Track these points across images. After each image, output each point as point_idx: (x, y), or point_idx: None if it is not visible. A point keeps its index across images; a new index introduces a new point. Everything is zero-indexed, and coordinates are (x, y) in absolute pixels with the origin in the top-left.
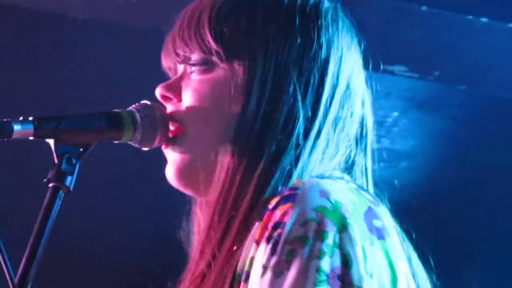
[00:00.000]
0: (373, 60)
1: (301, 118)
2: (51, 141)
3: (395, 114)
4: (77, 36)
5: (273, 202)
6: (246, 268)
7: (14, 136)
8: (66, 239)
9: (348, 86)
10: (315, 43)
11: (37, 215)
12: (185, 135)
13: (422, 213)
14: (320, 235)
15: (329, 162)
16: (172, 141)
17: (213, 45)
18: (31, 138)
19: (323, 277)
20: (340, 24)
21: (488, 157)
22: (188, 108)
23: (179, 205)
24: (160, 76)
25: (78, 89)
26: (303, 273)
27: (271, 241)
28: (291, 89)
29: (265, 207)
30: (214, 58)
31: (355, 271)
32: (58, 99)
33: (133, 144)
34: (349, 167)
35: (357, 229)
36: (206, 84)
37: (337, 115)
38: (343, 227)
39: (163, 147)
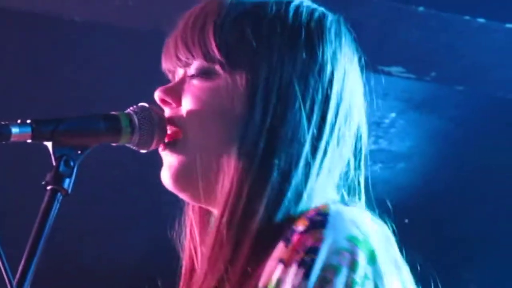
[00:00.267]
0: (370, 61)
1: (308, 136)
2: (49, 144)
3: (393, 115)
4: (75, 38)
5: (301, 225)
6: None
7: (12, 139)
8: (63, 242)
9: (350, 103)
10: (320, 59)
11: (35, 217)
12: (184, 139)
13: (420, 214)
14: (353, 265)
15: (333, 179)
16: (170, 145)
17: (217, 54)
18: (29, 140)
19: None
20: (343, 39)
21: (486, 158)
22: (187, 113)
23: (176, 209)
24: (159, 78)
25: (77, 91)
26: None
27: (304, 266)
28: (296, 105)
29: (290, 228)
30: (217, 67)
31: None
32: (57, 101)
33: (131, 147)
34: (344, 182)
35: (383, 262)
36: (207, 91)
37: (340, 132)
38: (372, 259)
39: (160, 149)
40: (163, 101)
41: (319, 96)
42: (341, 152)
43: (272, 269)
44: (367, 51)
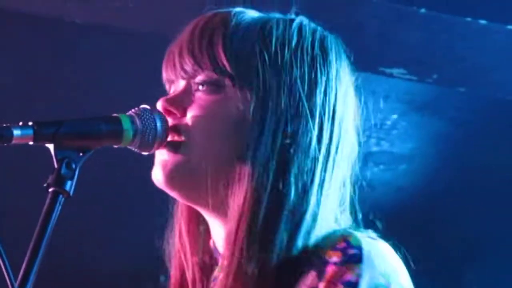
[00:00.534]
0: (372, 63)
1: (320, 155)
2: (50, 146)
3: (394, 116)
4: (75, 41)
5: (334, 256)
6: None
7: (13, 141)
8: (64, 244)
9: (350, 120)
10: (325, 78)
11: (37, 219)
12: (187, 144)
13: (421, 215)
14: None
15: (338, 199)
16: (170, 145)
17: (227, 67)
18: (31, 143)
19: None
20: (343, 59)
21: (488, 159)
22: (193, 123)
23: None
24: (160, 80)
25: (77, 93)
26: None
27: None
28: (306, 123)
29: (321, 258)
30: (226, 81)
31: None
32: (57, 102)
33: (133, 149)
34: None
35: None
36: (215, 103)
37: (344, 152)
38: None
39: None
40: (166, 110)
41: (326, 115)
42: (343, 172)
43: None
44: (368, 53)
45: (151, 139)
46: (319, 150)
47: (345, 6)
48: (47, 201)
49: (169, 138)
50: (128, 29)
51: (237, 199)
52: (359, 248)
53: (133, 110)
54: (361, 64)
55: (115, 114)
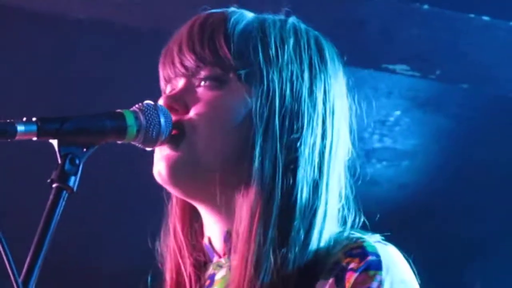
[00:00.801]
0: (375, 59)
1: (326, 152)
2: (54, 142)
3: (397, 113)
4: (78, 37)
5: (352, 263)
6: None
7: (17, 136)
8: (68, 241)
9: (347, 118)
10: (323, 75)
11: (40, 215)
12: (191, 140)
13: (424, 212)
14: None
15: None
16: (173, 142)
17: (232, 62)
18: (34, 138)
19: None
20: (335, 56)
21: (490, 156)
22: (198, 118)
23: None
24: None
25: (81, 89)
26: None
27: None
28: (309, 120)
29: (334, 261)
30: (231, 76)
31: None
32: (61, 99)
33: (137, 145)
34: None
35: None
36: (219, 99)
37: (341, 148)
38: None
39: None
40: (169, 107)
41: (327, 111)
42: (340, 168)
43: None
44: (371, 50)
45: (155, 134)
46: (324, 146)
47: (347, 3)
48: (51, 197)
49: (173, 133)
50: (132, 26)
51: (247, 197)
52: (377, 255)
53: (136, 105)
54: (364, 60)
55: (118, 110)
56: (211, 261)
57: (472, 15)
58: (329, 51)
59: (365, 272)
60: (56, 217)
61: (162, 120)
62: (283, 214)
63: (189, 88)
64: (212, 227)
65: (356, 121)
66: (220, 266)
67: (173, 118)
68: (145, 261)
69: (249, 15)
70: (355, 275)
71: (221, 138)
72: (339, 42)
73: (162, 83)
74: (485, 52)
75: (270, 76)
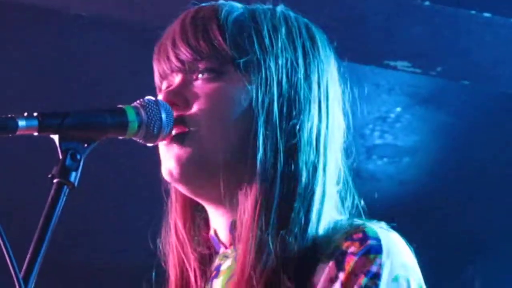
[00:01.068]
0: (376, 56)
1: (322, 136)
2: (55, 137)
3: (398, 109)
4: (80, 33)
5: (353, 247)
6: None
7: (18, 132)
8: (70, 236)
9: (340, 101)
10: (316, 61)
11: (41, 211)
12: (193, 134)
13: (425, 209)
14: None
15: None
16: (178, 138)
17: (229, 52)
18: (35, 133)
19: None
20: (326, 41)
21: (491, 152)
22: (199, 111)
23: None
24: None
25: (83, 85)
26: None
27: None
28: (307, 105)
29: (335, 245)
30: (228, 67)
31: None
32: (63, 95)
33: (138, 140)
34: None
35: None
36: (218, 90)
37: (337, 132)
38: (420, 287)
39: (164, 143)
40: (169, 103)
41: (322, 95)
42: (337, 152)
43: None
44: (373, 46)
45: (156, 130)
46: (321, 129)
47: None
48: (52, 192)
49: (175, 131)
50: (132, 22)
51: (251, 187)
52: (377, 239)
53: (138, 101)
54: (365, 57)
55: (120, 106)
56: (217, 252)
57: (473, 12)
58: (320, 37)
59: (365, 256)
60: (57, 213)
61: (164, 115)
62: (284, 198)
63: (187, 83)
64: (218, 220)
65: (357, 118)
66: (226, 257)
67: (174, 113)
68: (145, 257)
69: (239, 6)
70: (355, 258)
71: (225, 130)
72: (340, 39)
73: (157, 79)
74: (486, 49)
75: (267, 63)
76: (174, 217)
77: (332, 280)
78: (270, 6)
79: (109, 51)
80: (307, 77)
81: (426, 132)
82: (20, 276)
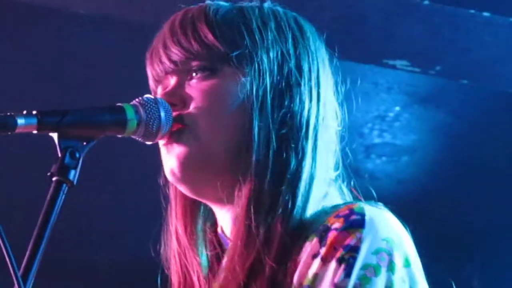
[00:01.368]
0: (375, 55)
1: (312, 120)
2: (54, 135)
3: (397, 108)
4: (80, 31)
5: (337, 223)
6: (308, 283)
7: (17, 130)
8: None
9: (332, 88)
10: (307, 51)
11: (41, 209)
12: (194, 131)
13: (423, 208)
14: (391, 266)
15: (330, 160)
16: (177, 136)
17: (221, 48)
18: (34, 132)
19: None
20: (315, 32)
21: (490, 152)
22: (197, 109)
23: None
24: None
25: (80, 84)
26: None
27: (344, 263)
28: (299, 94)
29: (323, 225)
30: (221, 63)
31: None
32: (59, 95)
33: (137, 138)
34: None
35: (416, 268)
36: (214, 87)
37: (330, 116)
38: (407, 263)
39: (164, 142)
40: (168, 102)
41: (313, 82)
42: (332, 136)
43: (308, 265)
44: (372, 45)
45: (155, 128)
46: (310, 116)
47: None
48: (51, 190)
49: (173, 130)
50: (132, 20)
51: (245, 180)
52: (362, 215)
53: (137, 99)
54: (364, 56)
55: (119, 104)
56: (226, 249)
57: (473, 11)
58: (309, 29)
59: (346, 230)
60: (56, 211)
61: (162, 114)
62: (274, 185)
63: (182, 83)
64: (223, 217)
65: (356, 116)
66: None
67: (173, 113)
68: (145, 256)
69: (226, 4)
70: (336, 233)
71: (222, 125)
72: (339, 38)
73: (152, 84)
74: (485, 48)
75: (259, 55)
76: (175, 223)
77: (315, 256)
78: (258, 3)
79: (109, 50)
80: (298, 66)
81: (425, 131)
82: (19, 273)
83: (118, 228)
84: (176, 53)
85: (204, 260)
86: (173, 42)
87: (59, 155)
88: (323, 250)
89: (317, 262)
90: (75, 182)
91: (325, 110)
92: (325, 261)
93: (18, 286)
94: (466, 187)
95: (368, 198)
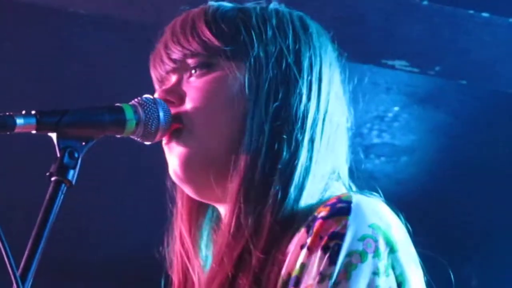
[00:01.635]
0: (374, 55)
1: (310, 114)
2: (53, 135)
3: (396, 109)
4: (79, 31)
5: (323, 212)
6: (295, 273)
7: (16, 129)
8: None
9: (339, 87)
10: (308, 47)
11: (40, 209)
12: (190, 129)
13: (422, 208)
14: (377, 253)
15: (334, 155)
16: (175, 135)
17: (216, 43)
18: (33, 131)
19: None
20: (323, 32)
21: (489, 152)
22: (194, 106)
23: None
24: None
25: (81, 84)
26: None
27: (329, 251)
28: (296, 88)
29: (312, 215)
30: (218, 57)
31: None
32: (61, 94)
33: (135, 138)
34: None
35: (403, 255)
36: (210, 83)
37: (334, 112)
38: (392, 249)
39: (165, 142)
40: (166, 100)
41: (314, 77)
42: (336, 132)
43: (296, 255)
44: (371, 45)
45: (154, 128)
46: (309, 109)
47: None
48: (50, 190)
49: (172, 128)
50: (132, 20)
51: (237, 174)
52: (348, 202)
53: (135, 99)
54: (363, 56)
55: (118, 104)
56: None
57: (472, 12)
58: (315, 26)
59: (331, 218)
60: (55, 210)
61: (161, 114)
62: (266, 176)
63: (181, 81)
64: (227, 215)
65: (355, 117)
66: None
67: (172, 111)
68: (145, 256)
69: (229, 4)
70: (322, 221)
71: (218, 121)
72: (338, 38)
73: (156, 85)
74: (484, 48)
75: (256, 49)
76: (180, 225)
77: (303, 246)
78: (263, 5)
79: (109, 50)
80: (298, 61)
81: (424, 131)
82: (18, 273)
83: (117, 228)
84: (174, 51)
85: (208, 262)
86: (173, 42)
87: (58, 155)
88: (309, 240)
89: (304, 251)
90: (74, 182)
91: (328, 105)
92: (311, 250)
93: (17, 286)
94: (465, 187)
95: None
